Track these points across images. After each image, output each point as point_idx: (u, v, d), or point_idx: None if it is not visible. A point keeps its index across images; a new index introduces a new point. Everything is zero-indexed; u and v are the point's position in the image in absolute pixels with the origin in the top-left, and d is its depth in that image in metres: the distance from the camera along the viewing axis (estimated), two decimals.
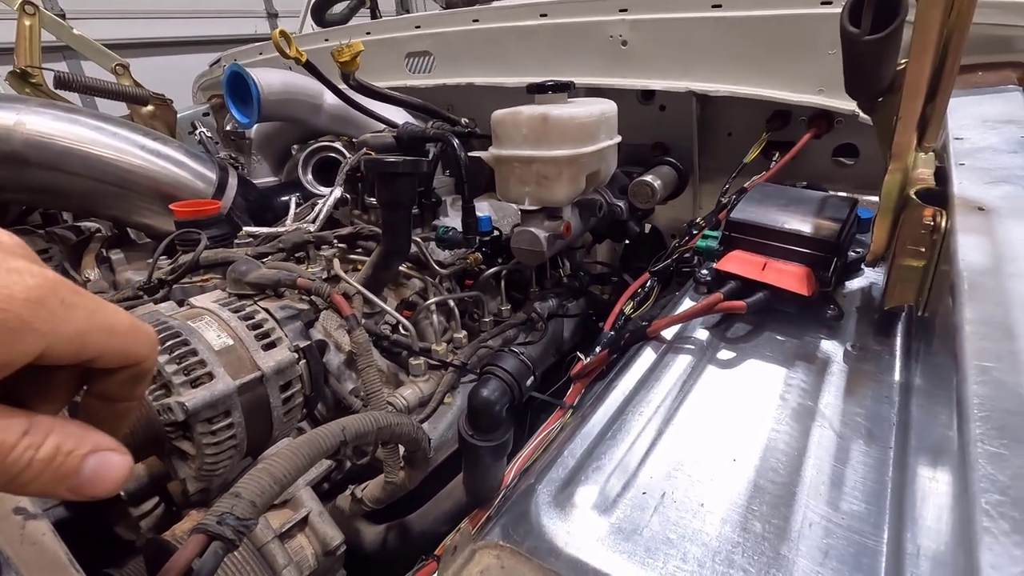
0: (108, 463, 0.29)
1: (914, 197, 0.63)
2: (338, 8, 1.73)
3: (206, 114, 2.08)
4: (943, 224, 0.59)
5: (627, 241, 1.30)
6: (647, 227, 1.37)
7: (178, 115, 1.85)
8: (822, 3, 0.94)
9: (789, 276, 0.72)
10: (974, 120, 0.77)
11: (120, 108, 1.75)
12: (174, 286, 0.80)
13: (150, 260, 0.97)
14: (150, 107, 1.73)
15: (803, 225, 0.74)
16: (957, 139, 0.72)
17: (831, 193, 0.84)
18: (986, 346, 0.40)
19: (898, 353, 0.68)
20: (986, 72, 0.89)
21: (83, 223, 1.05)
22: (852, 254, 0.83)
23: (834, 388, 0.65)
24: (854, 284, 0.83)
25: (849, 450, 0.58)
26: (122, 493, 0.71)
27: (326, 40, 1.60)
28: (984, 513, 0.30)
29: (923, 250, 0.63)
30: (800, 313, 0.75)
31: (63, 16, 3.95)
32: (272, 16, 5.31)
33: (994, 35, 0.86)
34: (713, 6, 1.03)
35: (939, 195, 0.63)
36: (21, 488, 0.27)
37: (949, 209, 0.58)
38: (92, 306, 0.29)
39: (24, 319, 0.25)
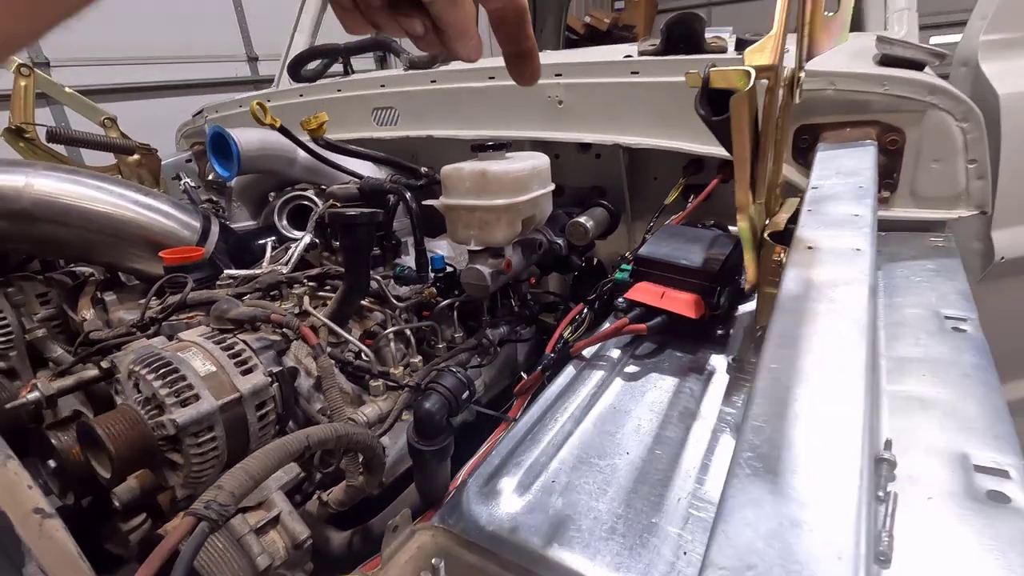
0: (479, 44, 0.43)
1: (767, 238, 0.78)
2: (312, 65, 1.89)
3: (189, 160, 2.22)
4: (784, 259, 0.74)
5: (574, 273, 1.45)
6: (594, 260, 1.53)
7: (162, 162, 1.98)
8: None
9: (681, 303, 0.87)
10: (832, 171, 0.93)
11: (107, 157, 1.88)
12: (163, 323, 0.93)
13: (141, 300, 1.09)
14: (136, 156, 1.86)
15: (694, 259, 0.90)
16: (814, 188, 0.88)
17: (721, 231, 1.00)
18: (776, 352, 0.55)
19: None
20: (853, 129, 1.07)
21: (78, 268, 1.17)
22: (743, 282, 0.99)
23: (715, 393, 0.80)
24: (748, 307, 0.99)
25: (718, 442, 0.72)
26: (117, 504, 0.81)
27: (300, 96, 1.76)
28: (738, 464, 0.44)
29: (777, 280, 0.78)
30: (695, 333, 0.89)
31: (47, 64, 4.10)
32: (252, 60, 5.51)
33: (855, 100, 1.04)
34: (632, 72, 1.21)
35: (787, 235, 0.78)
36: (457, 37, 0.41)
37: (791, 247, 0.74)
38: None
39: None
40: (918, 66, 1.07)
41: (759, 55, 0.61)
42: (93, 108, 1.87)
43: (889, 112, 1.03)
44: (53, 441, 0.78)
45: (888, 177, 1.07)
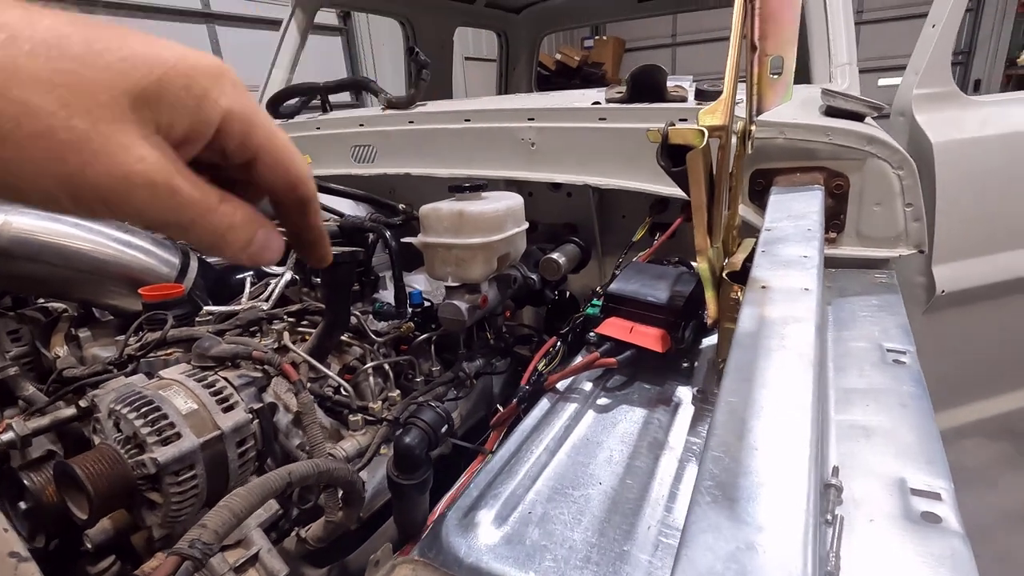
0: (273, 236, 0.36)
1: (726, 278, 0.85)
2: (291, 101, 1.93)
3: None
4: (741, 298, 0.80)
5: (547, 306, 1.50)
6: (567, 293, 1.58)
7: None
8: (679, 120, 1.20)
9: (649, 337, 0.92)
10: (784, 213, 1.01)
11: None
12: (142, 360, 0.93)
13: (116, 337, 1.09)
14: None
15: (660, 296, 0.95)
16: (767, 230, 0.95)
17: (685, 268, 1.06)
18: (733, 386, 0.59)
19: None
20: (802, 174, 1.16)
21: (51, 304, 1.16)
22: (707, 317, 1.05)
23: (682, 424, 0.84)
24: (709, 341, 1.05)
25: (685, 471, 0.76)
26: (89, 545, 0.81)
27: None
28: (699, 492, 0.48)
29: (736, 316, 0.84)
30: (662, 365, 0.94)
31: None
32: None
33: (803, 147, 1.13)
34: (600, 119, 1.29)
35: (743, 275, 0.85)
36: (222, 245, 0.33)
37: (747, 286, 0.80)
38: (256, 104, 0.33)
39: (207, 88, 0.30)
40: (859, 117, 1.17)
41: (711, 116, 0.68)
42: None
43: (834, 159, 1.12)
44: (26, 482, 0.77)
45: (835, 218, 1.15)
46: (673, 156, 0.74)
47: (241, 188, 0.35)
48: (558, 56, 9.30)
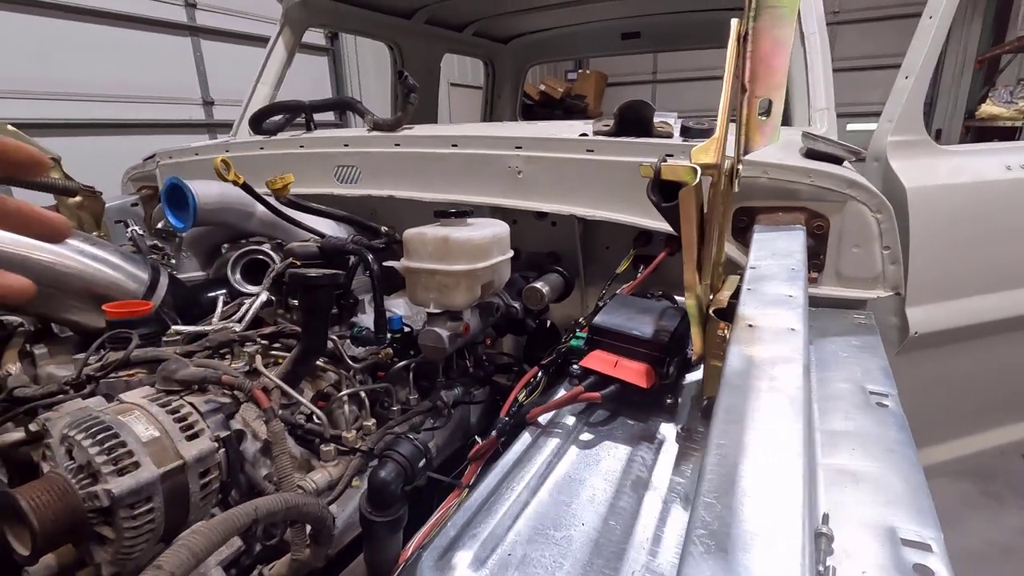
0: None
1: (712, 315, 0.84)
2: (275, 118, 1.91)
3: (135, 204, 2.15)
4: (728, 335, 0.80)
5: (527, 335, 1.48)
6: (548, 323, 1.57)
7: (107, 204, 1.91)
8: (665, 155, 1.21)
9: (634, 372, 0.91)
10: (768, 252, 1.02)
11: (45, 198, 1.80)
12: (101, 382, 0.88)
13: (75, 356, 1.03)
14: (77, 198, 1.79)
15: (645, 330, 0.94)
16: (752, 268, 0.96)
17: (669, 303, 1.06)
18: (724, 428, 0.58)
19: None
20: (784, 213, 1.18)
21: (5, 317, 1.09)
22: (690, 352, 1.04)
23: (666, 463, 0.83)
24: (694, 376, 1.04)
25: (670, 512, 0.74)
26: None
27: (261, 148, 1.77)
28: (692, 542, 0.46)
29: (721, 354, 0.84)
30: (646, 401, 0.93)
31: None
32: (208, 104, 5.46)
33: (785, 188, 1.15)
34: (587, 150, 1.29)
35: (729, 312, 0.85)
36: None
37: (733, 324, 0.80)
38: None
39: None
40: (838, 160, 1.20)
41: (704, 155, 0.68)
42: (37, 147, 1.79)
43: (815, 200, 1.14)
44: None
45: (815, 258, 1.17)
46: (664, 192, 0.74)
47: None
48: (542, 87, 9.48)
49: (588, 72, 10.41)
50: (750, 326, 0.77)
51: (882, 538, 0.55)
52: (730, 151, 0.90)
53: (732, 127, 0.87)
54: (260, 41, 5.28)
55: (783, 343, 0.72)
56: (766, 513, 0.47)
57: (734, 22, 0.75)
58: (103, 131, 4.57)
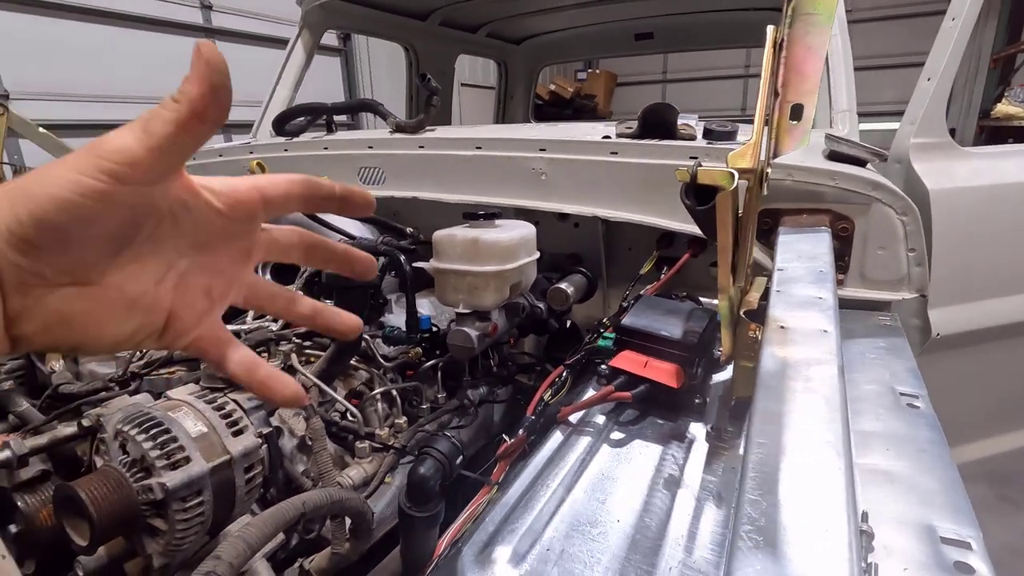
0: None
1: (743, 316, 0.86)
2: (296, 121, 1.93)
3: None
4: (760, 336, 0.81)
5: (549, 335, 1.50)
6: (568, 323, 1.58)
7: None
8: (690, 158, 1.23)
9: (663, 372, 0.92)
10: (794, 254, 1.03)
11: None
12: (144, 379, 0.90)
13: (116, 353, 1.06)
14: None
15: (674, 331, 0.96)
16: (780, 269, 0.97)
17: (697, 305, 1.07)
18: (762, 428, 0.59)
19: (744, 433, 0.89)
20: (808, 216, 1.19)
21: None
22: (717, 353, 1.05)
23: (696, 461, 0.84)
24: (721, 377, 1.05)
25: (703, 510, 0.76)
26: (81, 573, 0.77)
27: (285, 150, 1.80)
28: (739, 537, 0.48)
29: (752, 354, 0.85)
30: (675, 401, 0.94)
31: (7, 96, 3.98)
32: None
33: (810, 190, 1.15)
34: (611, 152, 1.31)
35: (761, 313, 0.86)
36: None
37: (765, 325, 0.81)
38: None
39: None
40: (861, 163, 1.21)
41: (741, 160, 0.70)
42: (65, 149, 1.83)
43: (840, 203, 1.15)
44: (20, 504, 0.73)
45: (840, 260, 1.18)
46: (699, 196, 0.76)
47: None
48: (552, 86, 9.49)
49: (598, 72, 10.41)
50: (782, 328, 0.79)
51: (921, 536, 0.56)
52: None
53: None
54: (275, 42, 5.33)
55: (816, 345, 0.73)
56: (811, 509, 0.49)
57: (770, 29, 0.76)
58: None
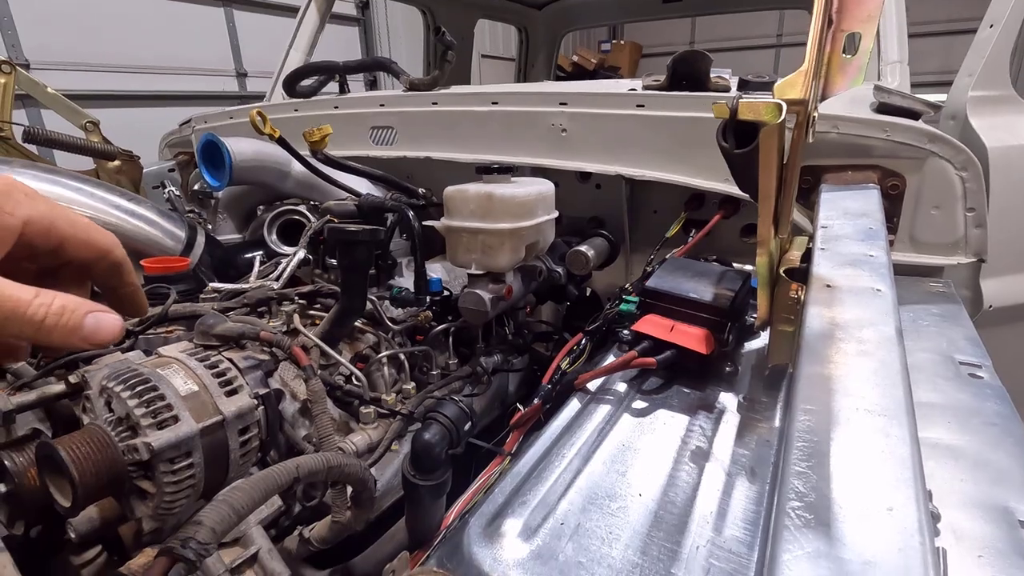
0: (105, 319, 0.41)
1: (783, 275, 0.77)
2: (308, 82, 1.87)
3: (171, 170, 2.15)
4: (803, 297, 0.73)
5: (568, 303, 1.43)
6: (588, 291, 1.51)
7: (144, 170, 1.92)
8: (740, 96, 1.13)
9: (691, 337, 0.84)
10: (838, 212, 0.94)
11: (85, 161, 1.81)
12: (139, 336, 0.86)
13: None
14: (116, 162, 1.79)
15: (704, 294, 0.88)
16: (823, 227, 0.88)
17: (729, 267, 0.99)
18: (809, 393, 0.52)
19: (779, 404, 0.81)
20: (854, 172, 1.08)
21: None
22: (750, 319, 0.97)
23: (727, 433, 0.77)
24: (753, 345, 0.97)
25: (734, 485, 0.69)
26: (72, 535, 0.73)
27: (295, 110, 1.73)
28: (785, 515, 0.41)
29: (792, 318, 0.77)
30: (703, 369, 0.87)
31: (27, 67, 3.99)
32: (241, 76, 5.48)
33: (858, 144, 1.05)
34: (637, 105, 1.21)
35: (803, 273, 0.77)
36: (46, 336, 0.38)
37: (808, 285, 0.72)
38: (51, 202, 0.40)
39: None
40: (914, 115, 1.10)
41: (790, 89, 0.61)
42: (75, 111, 1.80)
43: (890, 158, 1.05)
44: (7, 463, 0.70)
45: (888, 221, 1.07)
46: (738, 136, 0.67)
47: (67, 276, 0.43)
48: (575, 58, 9.24)
49: (622, 42, 10.10)
50: (828, 287, 0.70)
51: (996, 519, 0.49)
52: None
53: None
54: (292, 11, 5.24)
55: (868, 305, 0.65)
56: (872, 484, 0.41)
57: None
58: (139, 103, 4.63)
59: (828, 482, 0.42)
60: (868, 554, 0.36)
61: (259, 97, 2.64)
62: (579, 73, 9.21)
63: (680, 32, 10.28)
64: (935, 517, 0.48)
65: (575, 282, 1.29)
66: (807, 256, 0.82)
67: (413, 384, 0.98)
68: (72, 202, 0.94)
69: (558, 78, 5.55)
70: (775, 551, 0.38)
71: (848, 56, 0.76)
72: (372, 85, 5.57)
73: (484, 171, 1.01)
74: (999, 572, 0.43)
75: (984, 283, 1.31)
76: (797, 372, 0.56)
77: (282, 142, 1.04)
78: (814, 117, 0.82)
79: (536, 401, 0.90)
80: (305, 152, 1.13)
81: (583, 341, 1.08)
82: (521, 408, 0.92)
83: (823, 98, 0.82)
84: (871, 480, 0.42)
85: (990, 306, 1.30)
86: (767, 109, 0.60)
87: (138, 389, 0.66)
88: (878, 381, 0.52)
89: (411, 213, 0.99)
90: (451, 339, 1.09)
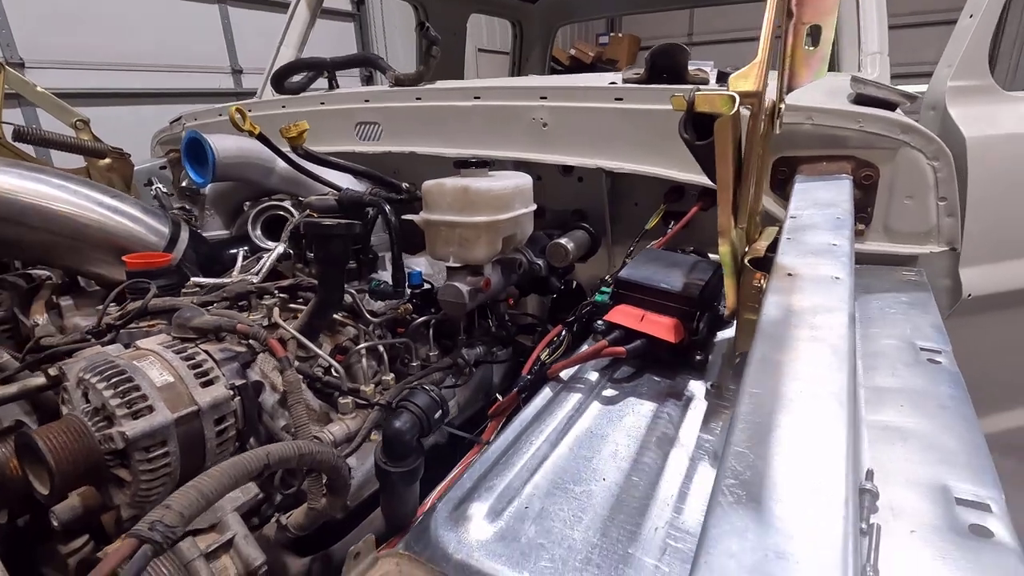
0: None
1: (748, 264, 0.79)
2: (296, 78, 1.88)
3: (163, 167, 2.16)
4: (765, 286, 0.74)
5: (553, 295, 1.44)
6: (573, 283, 1.52)
7: (136, 168, 1.93)
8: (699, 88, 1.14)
9: (661, 326, 0.86)
10: (809, 202, 0.95)
11: (77, 159, 1.82)
12: (121, 331, 0.88)
13: (99, 307, 1.04)
14: (107, 160, 1.81)
15: (674, 284, 0.89)
16: (792, 217, 0.89)
17: (701, 258, 1.00)
18: (758, 377, 0.53)
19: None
20: (828, 163, 1.09)
21: (34, 271, 1.11)
22: (723, 308, 0.98)
23: (693, 420, 0.78)
24: (727, 333, 0.98)
25: (696, 470, 0.70)
26: (56, 524, 0.75)
27: (283, 107, 1.74)
28: (720, 492, 0.42)
29: (757, 306, 0.78)
30: (674, 357, 0.88)
31: (22, 65, 4.00)
32: (236, 72, 5.48)
33: (832, 135, 1.06)
34: (616, 99, 1.22)
35: (767, 262, 0.78)
36: None
37: (771, 274, 0.74)
38: None
39: None
40: (890, 106, 1.11)
41: (743, 81, 0.62)
42: (65, 109, 1.81)
43: (864, 148, 1.06)
44: None
45: (862, 211, 1.09)
46: (698, 128, 0.68)
47: None
48: (572, 51, 9.21)
49: (620, 35, 10.06)
50: (789, 275, 0.71)
51: (934, 497, 0.50)
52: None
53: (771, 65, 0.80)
54: (287, 8, 5.23)
55: (826, 292, 0.66)
56: (804, 464, 0.43)
57: None
58: (133, 100, 4.63)
59: (765, 461, 0.44)
60: (791, 530, 0.38)
61: (254, 94, 2.65)
62: (577, 66, 9.17)
63: (678, 24, 10.23)
64: (873, 495, 0.50)
65: (557, 274, 1.31)
66: (775, 246, 0.83)
67: (392, 375, 1.00)
68: (56, 199, 0.96)
69: (554, 71, 5.53)
70: (706, 526, 0.40)
71: (811, 48, 0.77)
72: (368, 81, 5.56)
73: (461, 165, 1.03)
74: (928, 546, 0.45)
75: (963, 272, 1.32)
76: (750, 357, 0.57)
77: (262, 138, 1.06)
78: (781, 108, 0.83)
79: (513, 391, 0.92)
80: (287, 148, 1.15)
81: (562, 333, 1.10)
82: (499, 398, 0.94)
83: (790, 90, 0.83)
84: (805, 460, 0.43)
85: (969, 295, 1.31)
86: (722, 101, 0.61)
87: (113, 380, 0.68)
88: (825, 365, 0.53)
89: (388, 207, 1.00)
90: (432, 331, 1.11)
